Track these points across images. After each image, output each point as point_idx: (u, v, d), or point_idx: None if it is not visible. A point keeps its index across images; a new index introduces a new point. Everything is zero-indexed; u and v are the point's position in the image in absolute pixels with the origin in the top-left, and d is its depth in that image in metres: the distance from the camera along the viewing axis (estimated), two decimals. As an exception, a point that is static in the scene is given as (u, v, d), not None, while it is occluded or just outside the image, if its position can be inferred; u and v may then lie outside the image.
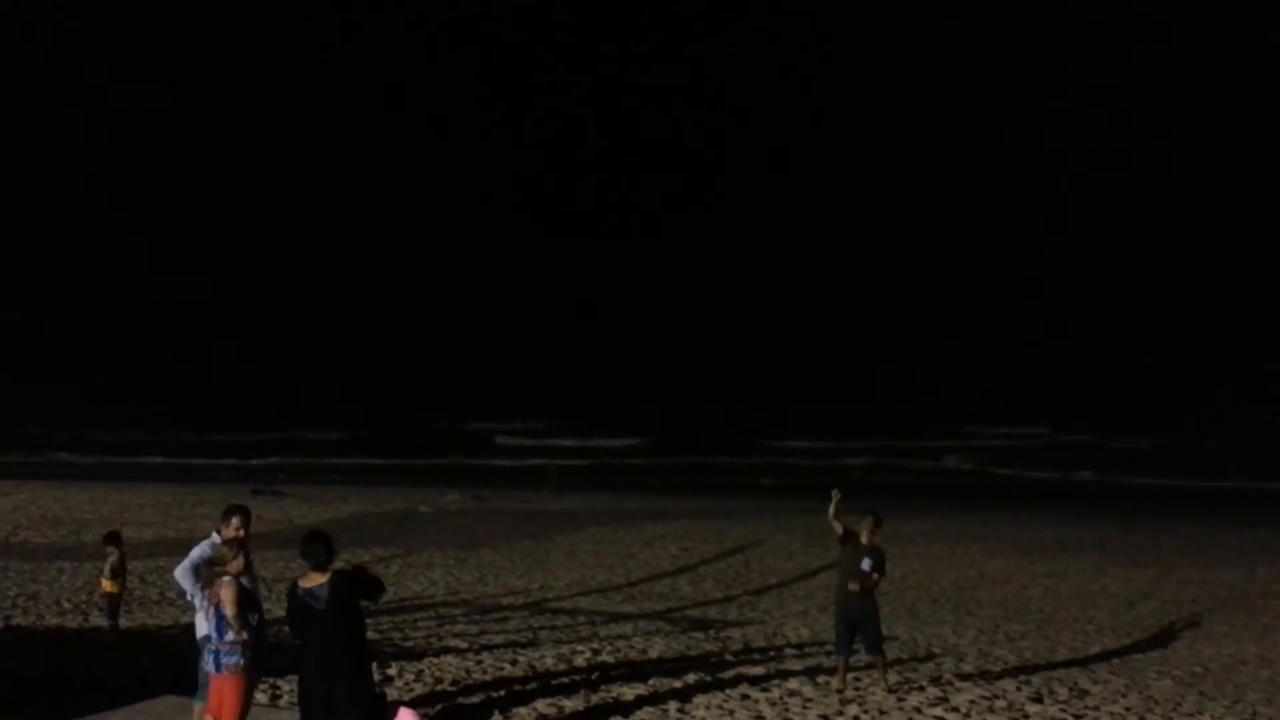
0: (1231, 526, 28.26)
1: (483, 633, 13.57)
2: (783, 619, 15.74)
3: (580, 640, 13.05)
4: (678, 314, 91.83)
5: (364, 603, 6.97)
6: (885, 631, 11.09)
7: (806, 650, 12.84)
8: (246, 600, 7.10)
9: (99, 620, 13.08)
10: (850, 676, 10.45)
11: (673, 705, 9.40)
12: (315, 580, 6.74)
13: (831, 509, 10.30)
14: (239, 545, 7.26)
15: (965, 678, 11.21)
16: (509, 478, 44.34)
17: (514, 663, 11.04)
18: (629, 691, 9.81)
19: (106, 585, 12.15)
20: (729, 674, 10.88)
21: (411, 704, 8.52)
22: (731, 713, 9.25)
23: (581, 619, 15.09)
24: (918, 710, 9.64)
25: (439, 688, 9.69)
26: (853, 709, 9.56)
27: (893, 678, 10.60)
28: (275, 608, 10.49)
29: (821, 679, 10.64)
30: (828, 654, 11.82)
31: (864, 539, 10.30)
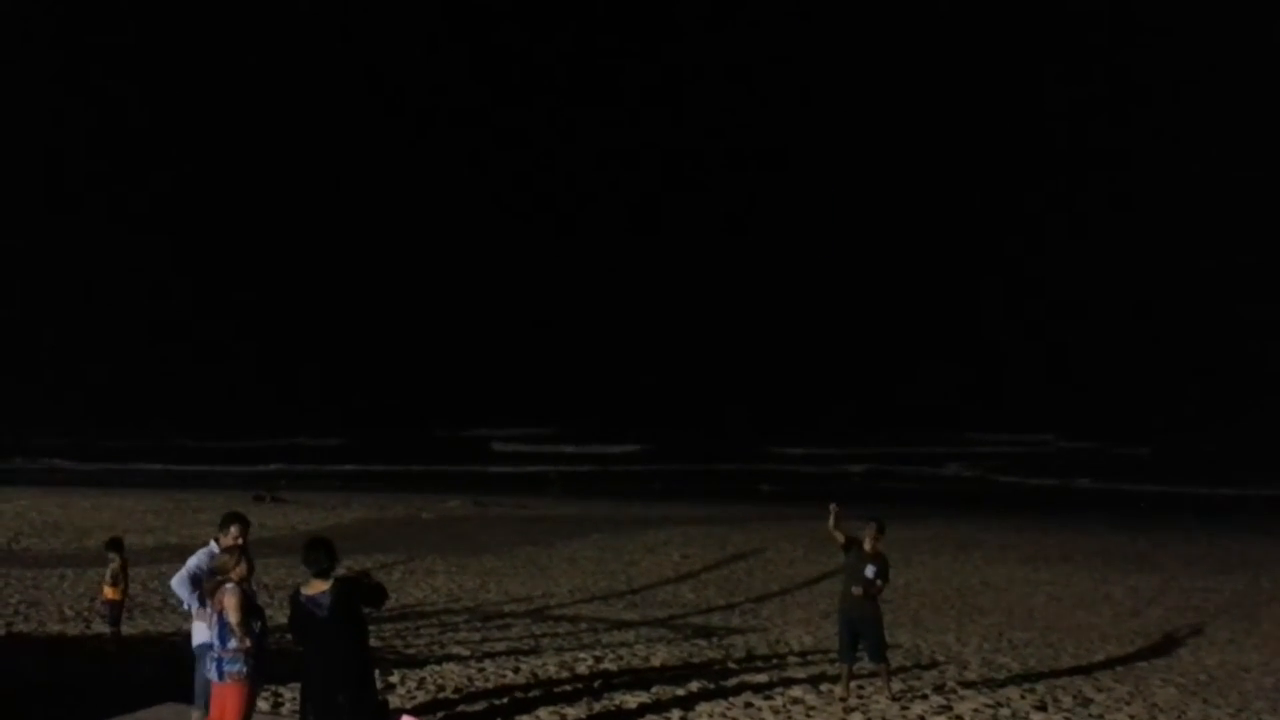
0: (1234, 533, 28.24)
1: (485, 640, 13.54)
2: (785, 626, 15.71)
3: (583, 648, 13.03)
4: (678, 321, 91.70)
5: (367, 610, 6.95)
6: (888, 639, 11.06)
7: (810, 658, 12.81)
8: (249, 607, 7.08)
9: (101, 627, 13.06)
10: (854, 684, 10.42)
11: (675, 713, 9.37)
12: (318, 587, 6.72)
13: (831, 520, 10.28)
14: (239, 553, 7.24)
15: (969, 685, 11.18)
16: (509, 484, 44.31)
17: (516, 670, 11.02)
18: (631, 699, 9.79)
19: (108, 592, 12.13)
20: (732, 682, 10.85)
21: (414, 711, 8.50)
22: (735, 720, 9.22)
23: (584, 626, 15.06)
24: (921, 718, 9.61)
25: (441, 695, 9.67)
26: (856, 717, 9.53)
27: (896, 685, 10.57)
28: (277, 615, 10.47)
29: (825, 687, 10.61)
30: (831, 661, 11.79)
31: (867, 546, 10.28)
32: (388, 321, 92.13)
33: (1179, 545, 26.01)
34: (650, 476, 49.29)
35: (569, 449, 61.34)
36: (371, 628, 7.34)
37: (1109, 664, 13.30)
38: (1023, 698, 10.56)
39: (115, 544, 12.48)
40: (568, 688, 10.24)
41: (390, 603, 9.77)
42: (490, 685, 10.17)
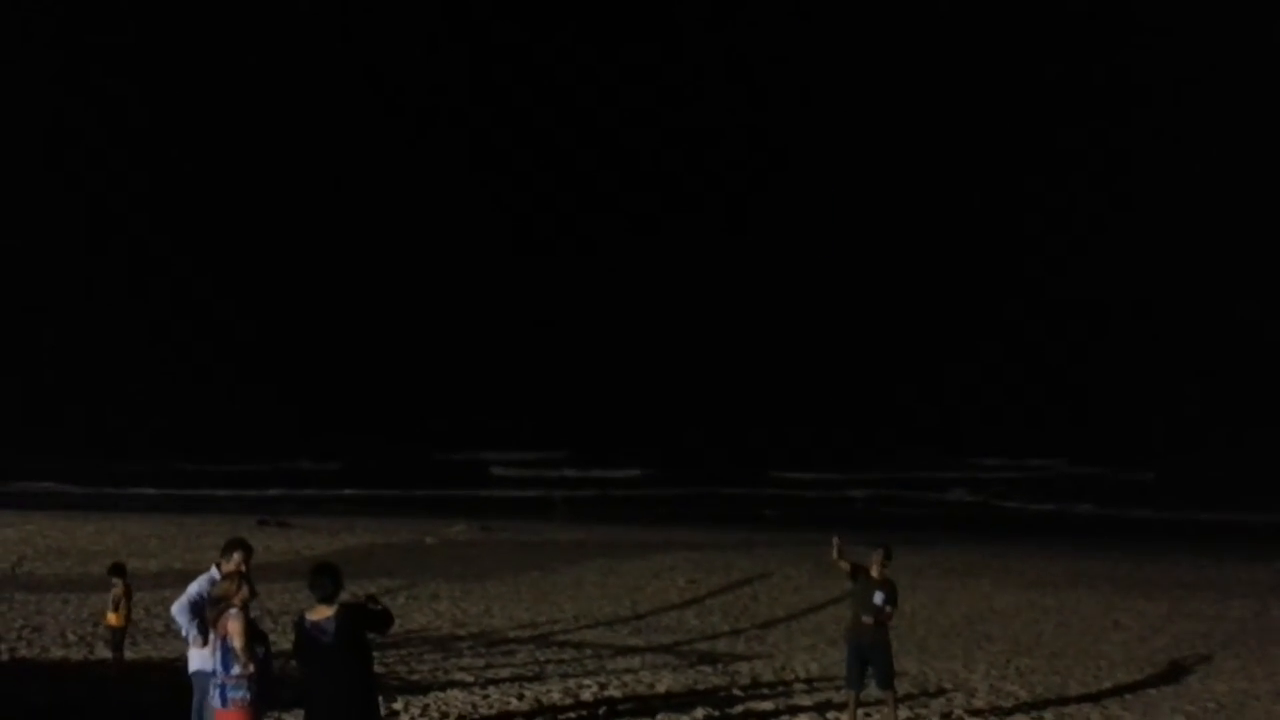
0: (1241, 558, 28.08)
1: (489, 666, 13.47)
2: (791, 653, 15.62)
3: (587, 674, 12.96)
4: (677, 343, 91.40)
5: (372, 635, 6.92)
6: (895, 666, 11.00)
7: (816, 685, 12.73)
8: (252, 633, 7.06)
9: (104, 652, 13.01)
10: (860, 711, 10.35)
11: (681, 741, 9.31)
12: (322, 613, 6.70)
13: (834, 552, 10.24)
14: (241, 579, 7.22)
15: (976, 713, 11.10)
16: (513, 509, 44.19)
17: (520, 697, 10.96)
18: (637, 726, 9.73)
19: (110, 617, 12.10)
20: (738, 709, 10.78)
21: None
22: (741, 748, 9.16)
23: (588, 652, 14.98)
24: (929, 746, 9.54)
25: (445, 722, 9.61)
26: (863, 745, 9.46)
27: (903, 713, 10.50)
28: (282, 640, 10.42)
29: (831, 714, 10.54)
30: (837, 689, 11.71)
31: (874, 572, 10.24)
32: (377, 344, 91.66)
33: (1186, 571, 25.86)
34: (653, 500, 49.14)
35: (571, 473, 61.20)
36: (375, 653, 7.30)
37: (1117, 691, 13.20)
38: (1031, 726, 10.48)
39: (118, 569, 12.45)
40: (572, 715, 10.18)
41: (394, 628, 9.73)
42: (494, 712, 10.11)
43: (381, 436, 71.21)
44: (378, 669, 9.40)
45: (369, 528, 31.54)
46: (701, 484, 54.48)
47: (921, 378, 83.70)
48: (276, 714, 9.07)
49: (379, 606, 6.99)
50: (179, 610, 7.67)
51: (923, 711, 11.03)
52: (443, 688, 11.39)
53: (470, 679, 12.24)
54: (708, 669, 13.82)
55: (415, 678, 12.30)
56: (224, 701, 6.91)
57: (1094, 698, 12.60)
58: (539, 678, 12.52)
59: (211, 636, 7.15)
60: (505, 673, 12.87)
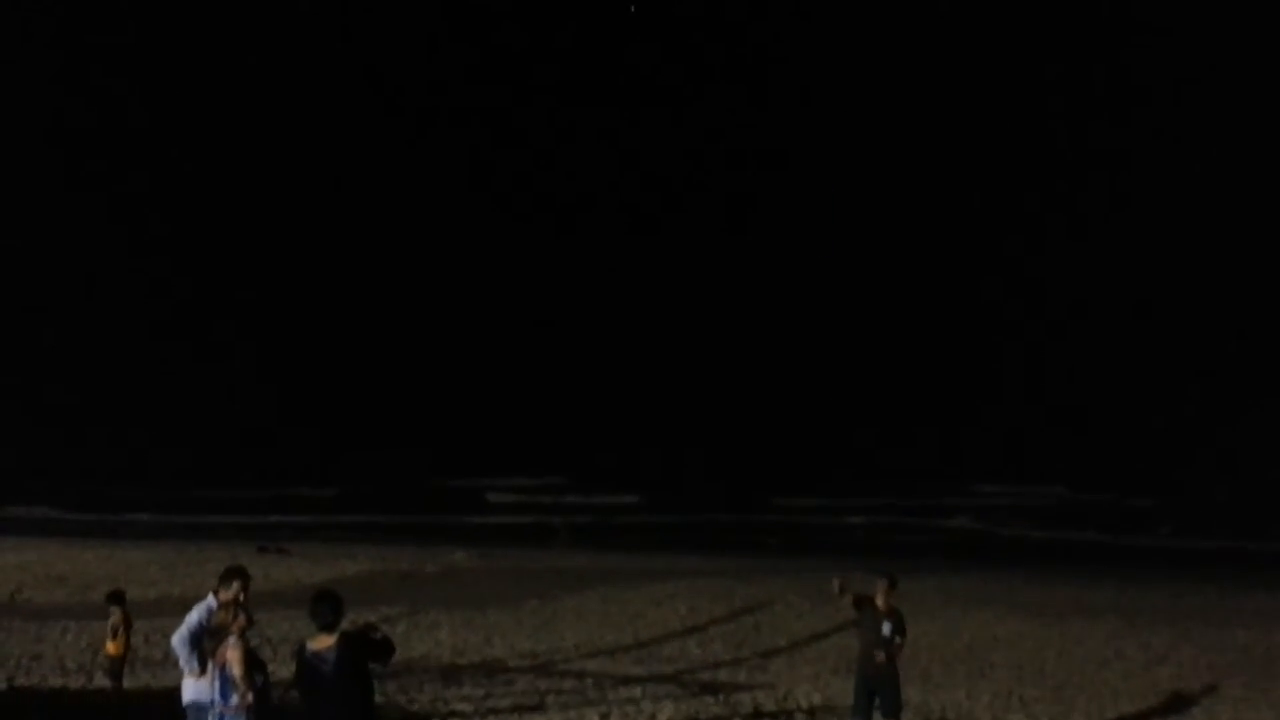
0: (1245, 586, 27.98)
1: (489, 696, 13.40)
2: (794, 682, 15.53)
3: (588, 704, 12.89)
4: (675, 368, 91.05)
5: (372, 665, 6.90)
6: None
7: (818, 715, 12.66)
8: (251, 661, 7.03)
9: (103, 681, 12.94)
10: (864, 742, 10.30)
11: (683, 772, 9.25)
12: (323, 642, 6.68)
13: (836, 590, 10.20)
14: (235, 608, 7.21)
15: (980, 744, 11.03)
16: (512, 535, 44.06)
17: (522, 727, 10.90)
18: (639, 757, 9.66)
19: (109, 646, 12.05)
20: (740, 739, 10.73)
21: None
22: (743, 780, 9.09)
23: (589, 682, 14.90)
24: (933, 778, 9.47)
25: (446, 753, 9.55)
26: (867, 776, 9.39)
27: (907, 744, 10.45)
28: (281, 669, 10.38)
29: (834, 745, 10.48)
30: (840, 719, 11.65)
31: (880, 602, 10.20)
32: (366, 368, 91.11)
33: (1189, 599, 25.76)
34: (653, 527, 48.98)
35: (570, 499, 60.98)
36: (375, 683, 7.27)
37: (1122, 722, 13.13)
38: (1035, 757, 10.41)
39: (116, 597, 12.40)
40: (574, 745, 10.12)
41: (395, 657, 9.68)
42: (495, 742, 10.06)
43: (377, 461, 70.96)
44: (377, 699, 9.35)
45: (369, 554, 31.42)
46: (701, 510, 54.32)
47: (921, 404, 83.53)
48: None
49: (380, 635, 6.97)
50: (179, 641, 7.65)
51: (926, 742, 10.98)
52: (443, 718, 11.33)
53: (471, 709, 12.18)
54: (710, 699, 13.74)
55: (415, 708, 12.24)
56: (223, 732, 6.88)
57: (1098, 728, 12.54)
58: (540, 708, 12.45)
59: (210, 666, 7.13)
60: (506, 703, 12.80)
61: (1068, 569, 33.16)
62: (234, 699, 6.86)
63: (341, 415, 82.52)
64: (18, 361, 79.59)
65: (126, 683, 12.43)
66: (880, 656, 9.93)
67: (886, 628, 10.02)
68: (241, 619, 7.10)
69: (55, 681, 13.48)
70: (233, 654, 6.91)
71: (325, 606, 6.75)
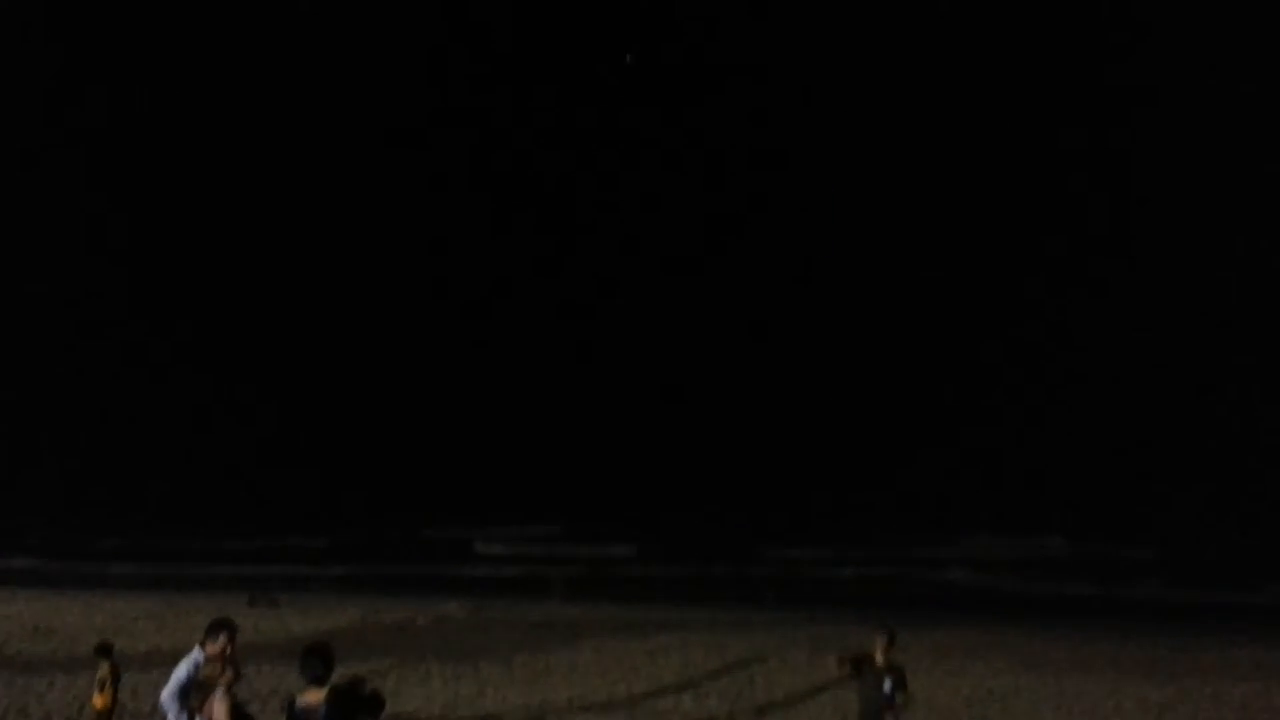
0: (1243, 639, 27.82)
1: (481, 751, 13.22)
2: (788, 737, 15.35)
3: (581, 759, 12.72)
4: (667, 416, 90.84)
5: (363, 721, 6.82)
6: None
7: (814, 771, 12.49)
8: (238, 716, 6.95)
9: (88, 736, 12.77)
10: (860, 800, 10.15)
11: (677, 830, 9.10)
12: (314, 696, 6.62)
13: (837, 671, 10.12)
14: (226, 662, 7.14)
15: (978, 801, 10.89)
16: (504, 587, 43.71)
17: (513, 783, 10.74)
18: (632, 815, 9.51)
19: (96, 700, 11.90)
20: (735, 796, 10.57)
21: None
22: (738, 838, 8.95)
23: (582, 736, 14.72)
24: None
25: (436, 810, 9.40)
26: (863, 835, 9.25)
27: (904, 801, 10.30)
28: (269, 724, 10.25)
29: (830, 802, 10.34)
30: (836, 775, 11.50)
31: (879, 658, 10.10)
32: (350, 416, 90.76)
33: (1189, 652, 25.58)
34: (647, 579, 48.64)
35: (563, 549, 60.60)
36: (367, 739, 7.17)
37: (1121, 778, 12.97)
38: (1034, 814, 10.27)
39: (104, 649, 12.28)
40: (566, 802, 9.97)
41: (385, 712, 9.55)
42: (486, 799, 9.90)
43: (367, 511, 70.57)
44: (367, 754, 9.22)
45: (359, 605, 31.15)
46: (694, 561, 54.03)
47: (917, 453, 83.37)
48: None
49: (370, 690, 6.90)
50: (168, 697, 7.57)
51: (923, 799, 10.83)
52: (433, 774, 11.17)
53: (461, 764, 12.01)
54: (704, 754, 13.57)
55: (405, 763, 12.07)
56: (210, 789, 6.77)
57: (1098, 785, 12.38)
58: (532, 763, 12.29)
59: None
60: (497, 758, 12.63)
61: (1065, 621, 32.95)
62: (221, 754, 6.78)
63: (333, 463, 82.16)
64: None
65: (112, 737, 12.25)
66: (888, 718, 9.81)
67: (887, 685, 9.90)
68: (229, 673, 7.03)
69: (39, 736, 13.29)
70: (220, 708, 6.84)
71: (316, 660, 6.70)
